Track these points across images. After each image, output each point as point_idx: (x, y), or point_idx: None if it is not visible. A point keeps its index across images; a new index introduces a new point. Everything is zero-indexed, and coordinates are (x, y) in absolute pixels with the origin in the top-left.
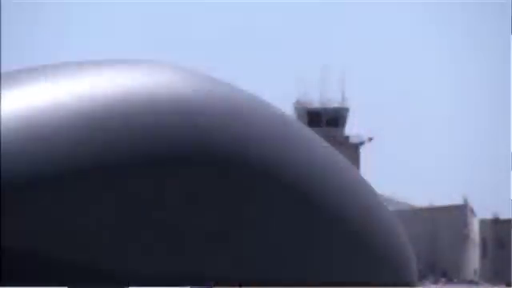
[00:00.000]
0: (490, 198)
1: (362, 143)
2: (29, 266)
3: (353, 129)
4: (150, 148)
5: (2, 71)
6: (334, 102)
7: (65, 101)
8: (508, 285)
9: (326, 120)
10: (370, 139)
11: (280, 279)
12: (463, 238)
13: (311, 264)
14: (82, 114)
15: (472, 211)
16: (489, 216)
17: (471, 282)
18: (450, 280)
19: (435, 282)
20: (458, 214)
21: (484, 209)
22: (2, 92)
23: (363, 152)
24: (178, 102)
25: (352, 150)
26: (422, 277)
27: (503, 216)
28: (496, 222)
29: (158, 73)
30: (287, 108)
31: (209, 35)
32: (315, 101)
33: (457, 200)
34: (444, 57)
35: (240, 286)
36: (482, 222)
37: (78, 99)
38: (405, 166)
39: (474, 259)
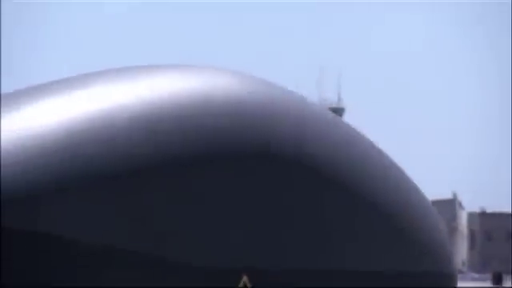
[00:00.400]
0: (478, 192)
1: None
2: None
3: None
4: (203, 148)
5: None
6: (330, 103)
7: (125, 104)
8: (495, 274)
9: None
10: None
11: (332, 269)
12: (452, 230)
13: (362, 255)
14: (140, 117)
15: (460, 205)
16: (476, 209)
17: (459, 272)
18: None
19: None
20: (447, 207)
21: (472, 203)
22: (68, 96)
23: None
24: (234, 104)
25: None
26: None
27: (490, 209)
28: (483, 215)
29: (216, 77)
30: None
31: (208, 35)
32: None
33: (446, 194)
34: (440, 57)
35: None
36: (470, 215)
37: (140, 102)
38: (398, 162)
39: (462, 250)
